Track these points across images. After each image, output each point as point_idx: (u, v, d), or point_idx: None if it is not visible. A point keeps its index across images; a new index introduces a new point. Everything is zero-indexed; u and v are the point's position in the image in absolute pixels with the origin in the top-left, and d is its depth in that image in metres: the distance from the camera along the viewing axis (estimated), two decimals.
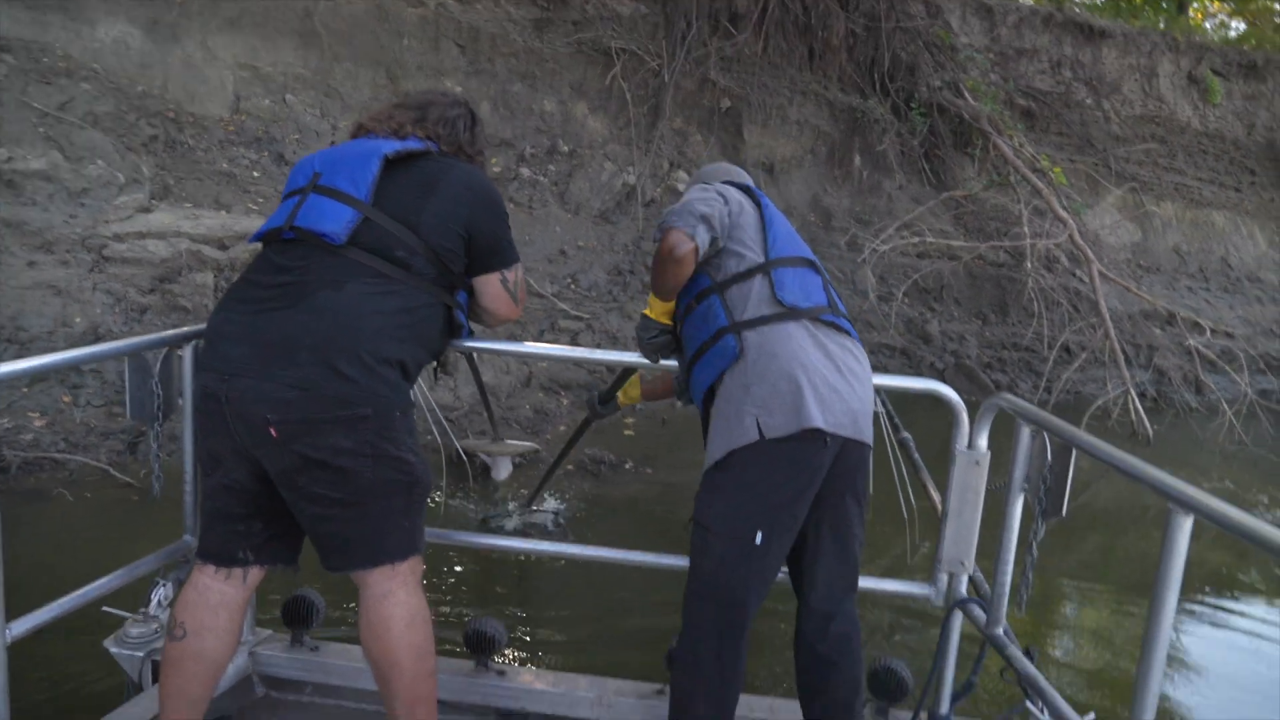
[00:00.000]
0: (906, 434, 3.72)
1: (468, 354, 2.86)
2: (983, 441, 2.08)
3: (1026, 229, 9.76)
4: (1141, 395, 8.50)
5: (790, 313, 1.88)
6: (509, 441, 5.43)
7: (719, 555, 1.85)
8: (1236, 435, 8.13)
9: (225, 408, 1.72)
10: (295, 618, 2.39)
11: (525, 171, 9.06)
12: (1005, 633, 1.97)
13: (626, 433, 6.62)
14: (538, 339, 7.41)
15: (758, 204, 2.06)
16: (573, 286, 8.36)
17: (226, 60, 8.29)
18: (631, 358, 2.22)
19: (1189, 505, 1.31)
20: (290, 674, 2.37)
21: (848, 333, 1.96)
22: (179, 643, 1.83)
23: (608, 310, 8.11)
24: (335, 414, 1.70)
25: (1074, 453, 1.74)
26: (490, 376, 6.55)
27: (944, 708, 2.22)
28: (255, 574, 1.90)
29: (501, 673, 2.34)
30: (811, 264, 2.03)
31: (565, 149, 9.45)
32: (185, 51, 8.06)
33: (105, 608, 2.19)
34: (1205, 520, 1.29)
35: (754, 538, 1.81)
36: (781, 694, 2.41)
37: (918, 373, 8.99)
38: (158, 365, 2.09)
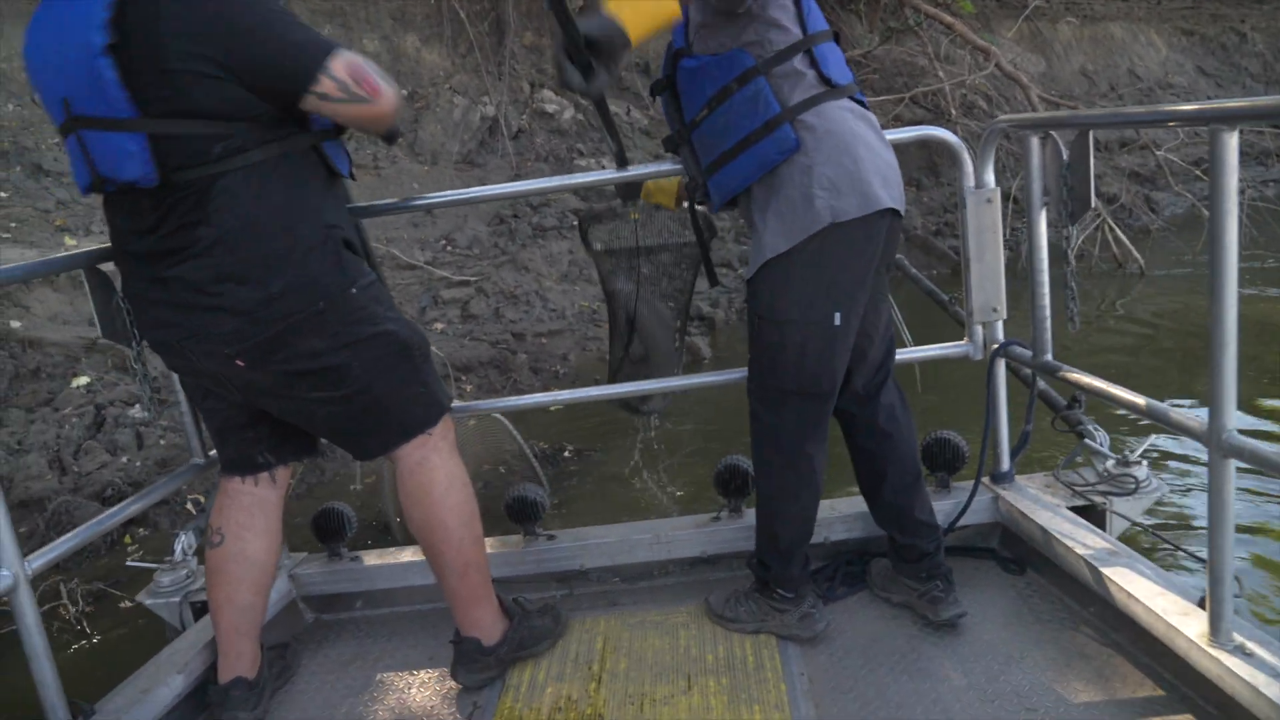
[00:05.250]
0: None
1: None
2: (989, 176, 2.02)
3: (942, 74, 8.66)
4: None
5: (836, 90, 1.73)
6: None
7: (799, 345, 1.74)
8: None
9: (187, 356, 1.65)
10: (327, 532, 2.26)
11: None
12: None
13: (553, 408, 5.30)
14: (419, 318, 5.97)
15: None
16: (449, 248, 6.90)
17: None
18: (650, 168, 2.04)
19: (1231, 117, 1.25)
20: (336, 589, 2.25)
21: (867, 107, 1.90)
22: (219, 548, 1.79)
23: (498, 266, 6.70)
24: (290, 322, 1.58)
25: (1090, 136, 1.73)
26: None
27: (1004, 464, 2.14)
28: (282, 474, 1.86)
29: (551, 537, 2.24)
30: (836, 35, 1.87)
31: (402, 92, 7.89)
32: None
33: (130, 562, 2.36)
34: (1250, 122, 1.27)
35: (833, 319, 1.74)
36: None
37: None
38: (119, 281, 1.91)
